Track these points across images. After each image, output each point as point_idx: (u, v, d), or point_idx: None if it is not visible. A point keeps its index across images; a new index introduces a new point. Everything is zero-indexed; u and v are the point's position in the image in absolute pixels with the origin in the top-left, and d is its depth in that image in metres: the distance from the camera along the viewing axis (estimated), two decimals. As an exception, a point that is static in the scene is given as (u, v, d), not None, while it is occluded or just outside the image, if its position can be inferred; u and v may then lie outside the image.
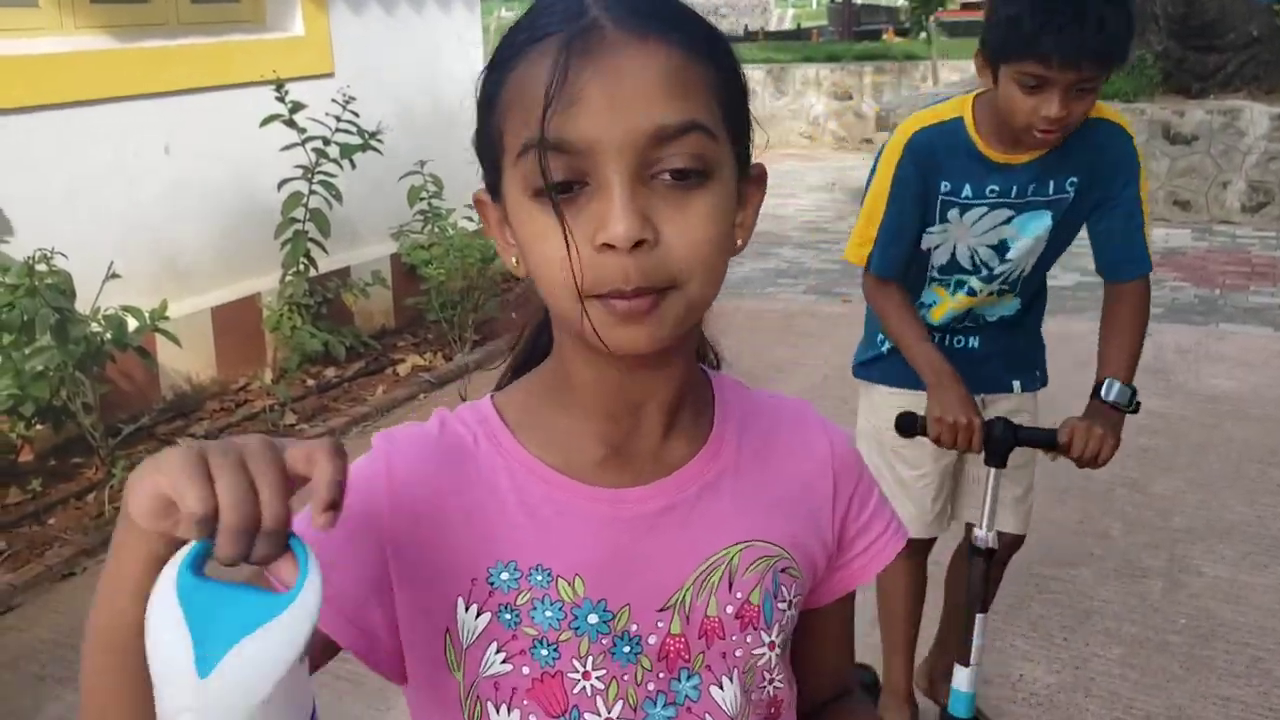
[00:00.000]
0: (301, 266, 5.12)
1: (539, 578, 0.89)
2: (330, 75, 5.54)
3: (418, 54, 6.26)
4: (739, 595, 0.93)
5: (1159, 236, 8.11)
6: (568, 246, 0.80)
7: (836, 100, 13.14)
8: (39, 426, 4.16)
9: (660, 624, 0.91)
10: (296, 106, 4.95)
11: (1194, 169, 8.48)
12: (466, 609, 0.89)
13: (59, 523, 4.03)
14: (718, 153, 0.83)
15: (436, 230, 5.80)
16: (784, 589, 0.95)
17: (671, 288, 0.81)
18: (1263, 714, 2.85)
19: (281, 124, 4.93)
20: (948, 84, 11.61)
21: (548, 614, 0.89)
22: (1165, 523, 3.83)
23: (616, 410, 0.91)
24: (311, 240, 5.10)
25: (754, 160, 0.90)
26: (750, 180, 0.90)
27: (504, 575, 0.89)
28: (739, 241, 0.90)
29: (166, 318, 4.32)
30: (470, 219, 5.99)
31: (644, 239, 0.79)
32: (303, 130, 5.00)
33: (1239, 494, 4.01)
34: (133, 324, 4.22)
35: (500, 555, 0.89)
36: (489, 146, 0.86)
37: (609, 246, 0.79)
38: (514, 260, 0.89)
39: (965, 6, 17.12)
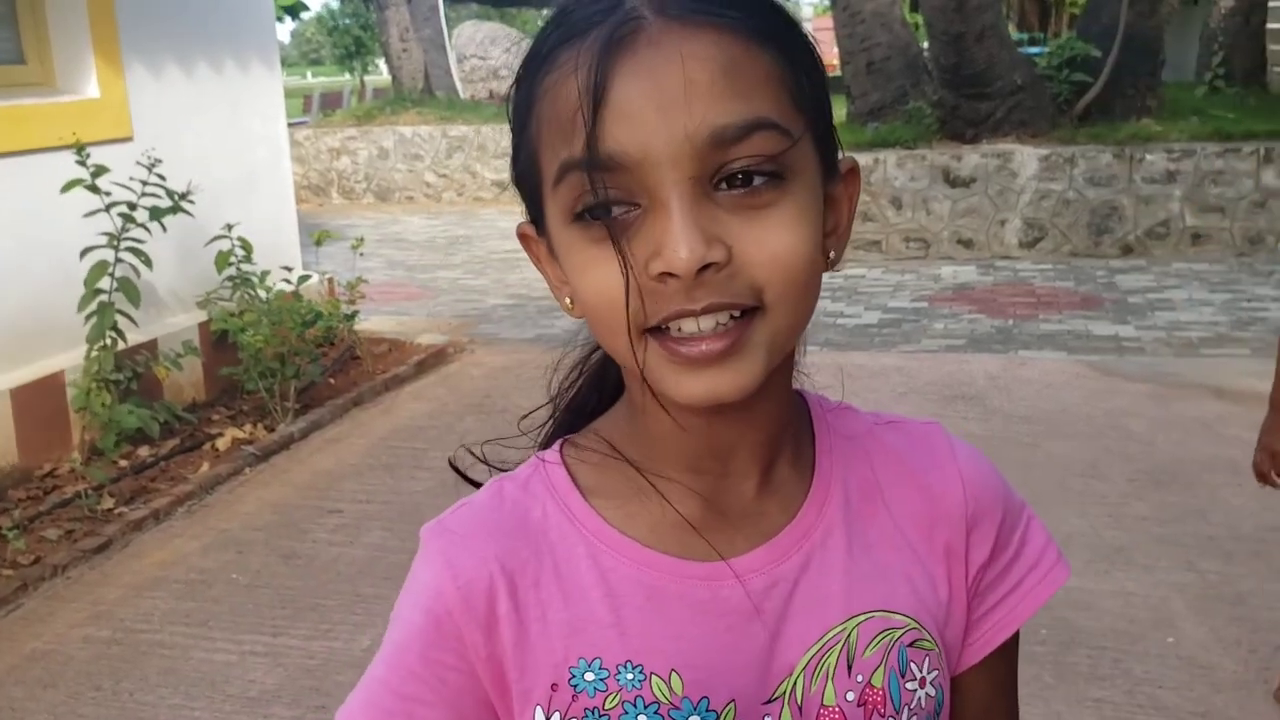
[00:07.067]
0: (109, 340, 4.82)
1: (629, 676, 0.76)
2: (129, 139, 5.27)
3: (218, 116, 6.01)
4: (860, 679, 0.79)
5: (948, 274, 8.57)
6: (625, 271, 0.67)
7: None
8: None
9: (768, 718, 0.78)
10: (99, 170, 4.68)
11: (974, 209, 9.01)
12: (548, 719, 0.76)
13: None
14: (794, 151, 0.69)
15: (247, 296, 5.57)
16: (914, 666, 0.80)
17: (754, 309, 0.69)
18: (1131, 711, 2.99)
19: (84, 189, 4.64)
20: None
21: (641, 719, 0.76)
22: (1008, 540, 3.99)
23: (702, 462, 0.78)
24: (119, 312, 4.81)
25: (841, 155, 0.77)
26: (838, 180, 0.77)
27: (588, 676, 0.76)
28: (831, 254, 0.76)
29: (-34, 401, 3.98)
30: (288, 280, 5.79)
31: (712, 261, 0.66)
32: (107, 194, 4.73)
33: (1070, 508, 4.22)
34: (-71, 410, 3.87)
35: (583, 652, 0.76)
36: (527, 172, 0.75)
37: (670, 275, 0.66)
38: (568, 301, 0.76)
39: None
